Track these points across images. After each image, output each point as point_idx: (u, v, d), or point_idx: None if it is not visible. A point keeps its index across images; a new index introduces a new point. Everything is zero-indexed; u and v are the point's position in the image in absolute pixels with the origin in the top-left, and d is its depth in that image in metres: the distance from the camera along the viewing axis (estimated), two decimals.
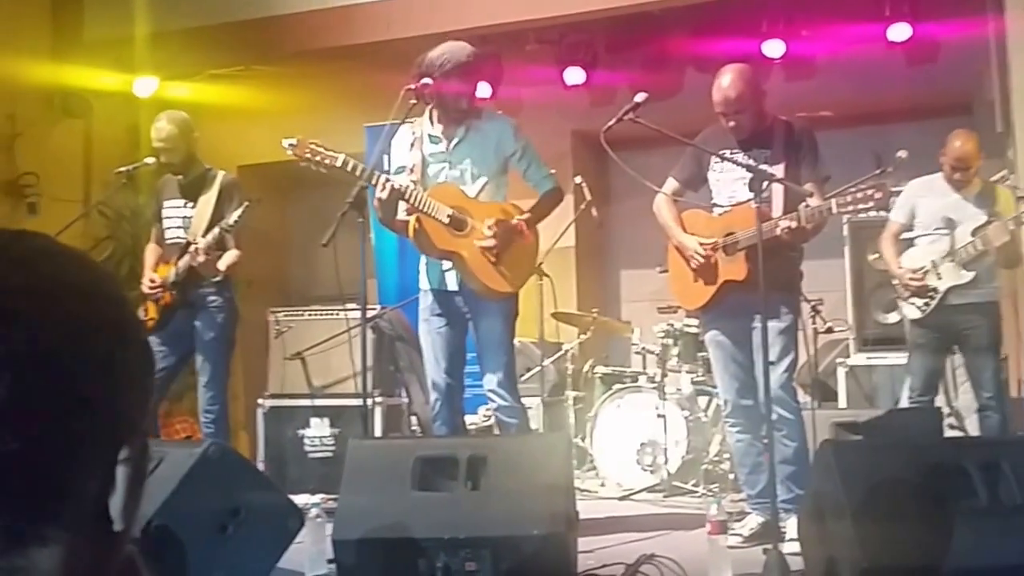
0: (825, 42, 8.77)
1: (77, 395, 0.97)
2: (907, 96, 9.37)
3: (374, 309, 7.36)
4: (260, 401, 7.51)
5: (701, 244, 5.31)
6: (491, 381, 5.50)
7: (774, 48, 8.70)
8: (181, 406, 8.86)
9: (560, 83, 9.32)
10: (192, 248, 6.25)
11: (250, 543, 4.34)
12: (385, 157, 5.70)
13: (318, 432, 7.22)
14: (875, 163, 7.44)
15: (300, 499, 5.36)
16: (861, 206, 4.80)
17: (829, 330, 7.59)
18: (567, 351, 8.65)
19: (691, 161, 5.53)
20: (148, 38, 9.09)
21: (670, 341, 7.82)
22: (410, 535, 4.09)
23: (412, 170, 5.49)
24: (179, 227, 6.52)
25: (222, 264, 6.35)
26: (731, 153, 5.25)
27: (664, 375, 7.67)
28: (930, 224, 6.42)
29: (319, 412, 7.23)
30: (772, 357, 4.99)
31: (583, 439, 8.01)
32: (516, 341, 5.73)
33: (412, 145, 5.54)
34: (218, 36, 9.07)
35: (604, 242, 10.99)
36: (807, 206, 4.94)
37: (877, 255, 7.82)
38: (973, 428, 6.99)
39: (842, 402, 7.71)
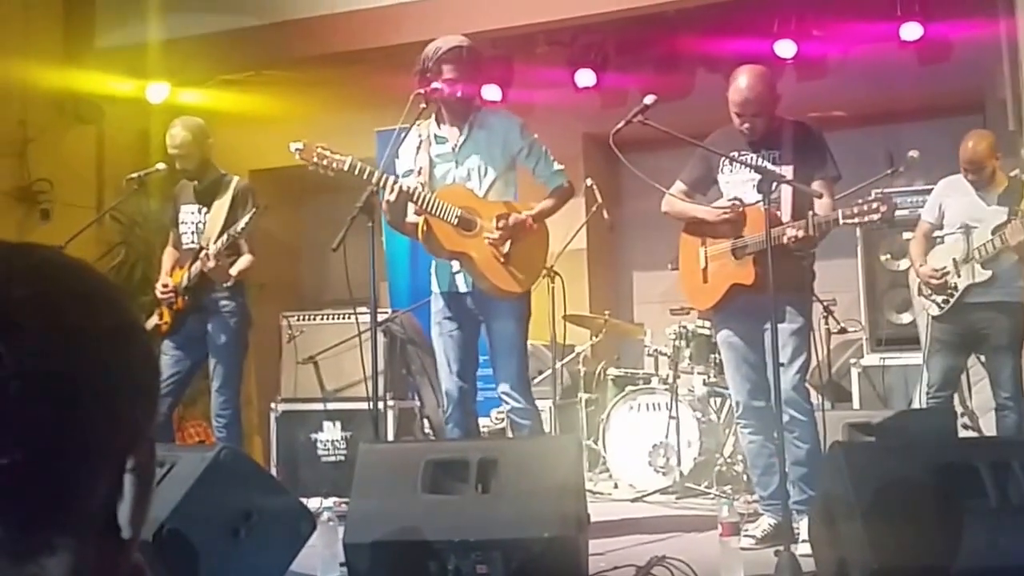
0: (837, 42, 8.76)
1: (84, 405, 0.98)
2: (919, 95, 9.35)
3: (386, 313, 7.38)
4: (273, 405, 7.55)
5: (718, 211, 5.31)
6: (504, 383, 5.50)
7: (786, 48, 8.68)
8: (195, 410, 8.89)
9: (571, 85, 9.30)
10: (202, 254, 6.27)
11: (262, 547, 4.35)
12: (396, 162, 5.71)
13: (330, 436, 7.25)
14: (887, 162, 7.44)
15: (313, 502, 5.39)
16: (867, 218, 4.79)
17: (842, 331, 7.57)
18: (579, 353, 8.65)
19: (700, 163, 5.52)
20: (160, 44, 9.15)
21: (682, 343, 7.82)
22: (421, 538, 4.09)
23: (420, 172, 5.49)
24: (193, 232, 6.55)
25: (234, 270, 6.37)
26: (740, 155, 5.24)
27: (676, 377, 7.68)
28: (954, 223, 6.44)
29: (331, 416, 7.26)
30: (784, 359, 4.98)
31: (596, 441, 8.01)
32: (528, 343, 5.73)
33: (419, 148, 5.54)
34: (229, 42, 9.11)
35: (616, 244, 10.99)
36: (815, 215, 4.92)
37: (888, 256, 7.83)
38: (987, 427, 6.98)
39: (856, 403, 7.70)
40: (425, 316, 5.99)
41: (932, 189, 6.86)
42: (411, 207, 5.39)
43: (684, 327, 7.84)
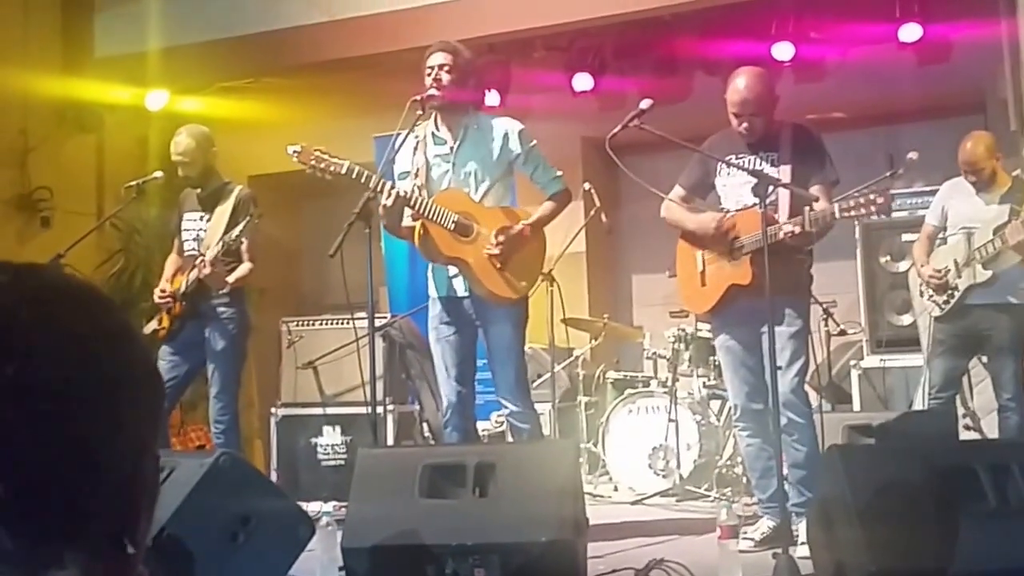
0: (835, 44, 8.74)
1: (92, 423, 1.00)
2: (919, 96, 9.35)
3: (384, 317, 7.39)
4: (273, 410, 7.57)
5: (714, 221, 5.30)
6: (503, 388, 5.50)
7: (783, 51, 8.66)
8: (195, 415, 8.90)
9: (569, 90, 9.30)
10: (199, 260, 6.28)
11: (261, 552, 4.35)
12: (393, 167, 5.71)
13: (330, 440, 7.27)
14: (887, 164, 7.44)
15: (313, 507, 5.39)
16: (863, 211, 4.76)
17: (842, 332, 7.57)
18: (578, 356, 8.66)
19: (698, 167, 5.52)
20: (158, 52, 9.16)
21: (681, 345, 7.84)
22: (419, 542, 4.10)
23: (416, 174, 5.49)
24: (195, 239, 6.56)
25: (232, 278, 6.38)
26: (737, 158, 5.24)
27: (676, 379, 7.68)
28: (956, 225, 6.44)
29: (331, 420, 7.29)
30: (782, 362, 4.98)
31: (595, 444, 8.02)
32: (527, 347, 5.73)
33: (416, 149, 5.54)
34: (228, 49, 9.12)
35: (615, 247, 11.00)
36: (811, 210, 4.93)
37: (888, 257, 7.83)
38: (990, 429, 6.97)
39: (856, 405, 7.69)
40: (424, 321, 5.99)
41: (933, 190, 6.87)
42: (407, 211, 5.40)
43: (683, 330, 7.85)
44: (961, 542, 3.52)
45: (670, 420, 7.47)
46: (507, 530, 4.09)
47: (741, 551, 4.75)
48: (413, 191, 5.35)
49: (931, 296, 6.51)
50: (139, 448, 1.05)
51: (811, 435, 5.20)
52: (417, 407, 7.56)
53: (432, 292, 5.60)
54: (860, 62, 8.71)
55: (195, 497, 4.23)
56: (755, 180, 4.86)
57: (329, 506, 5.53)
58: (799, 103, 8.15)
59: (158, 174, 6.75)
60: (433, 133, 5.56)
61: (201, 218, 6.58)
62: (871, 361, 7.83)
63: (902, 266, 7.67)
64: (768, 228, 4.76)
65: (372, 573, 4.13)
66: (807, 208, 4.93)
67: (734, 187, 5.32)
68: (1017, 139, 7.71)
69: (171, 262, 6.75)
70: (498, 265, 5.35)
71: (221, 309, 6.42)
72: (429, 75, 5.43)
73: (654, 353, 8.34)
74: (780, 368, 4.91)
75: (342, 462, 7.15)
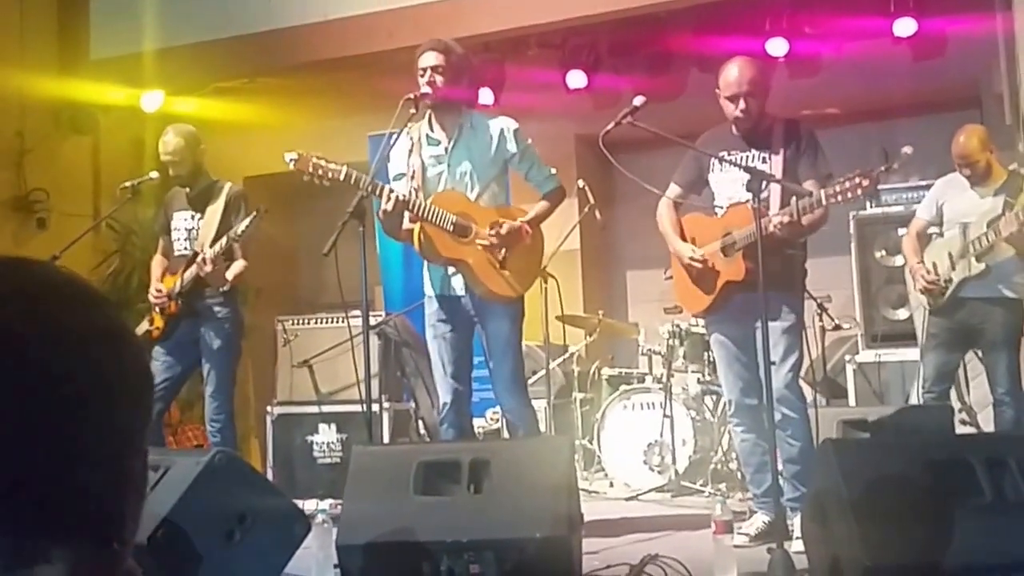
0: (829, 39, 8.75)
1: (81, 417, 0.99)
2: (914, 91, 9.35)
3: (379, 316, 7.40)
4: (269, 408, 7.57)
5: (693, 252, 5.32)
6: (499, 385, 5.52)
7: (778, 46, 8.67)
8: (192, 414, 8.91)
9: (563, 87, 9.32)
10: (199, 258, 6.28)
11: (257, 549, 4.37)
12: (387, 166, 5.71)
13: (326, 438, 7.27)
14: (882, 159, 7.44)
15: (309, 505, 5.40)
16: (850, 195, 4.74)
17: (837, 327, 7.58)
18: (573, 353, 8.67)
19: (692, 165, 5.53)
20: (153, 54, 9.17)
21: (676, 341, 7.85)
22: (414, 539, 4.10)
23: (412, 175, 5.50)
24: (186, 239, 6.56)
25: (230, 274, 6.39)
26: (730, 154, 5.25)
27: (670, 375, 7.69)
28: (952, 220, 6.44)
29: (327, 418, 7.29)
30: (776, 357, 4.98)
31: (590, 440, 8.03)
32: (523, 344, 5.73)
33: (411, 151, 5.54)
34: (223, 50, 9.13)
35: (610, 244, 11.01)
36: (799, 199, 4.91)
37: (883, 252, 7.83)
38: (986, 423, 6.98)
39: (851, 399, 7.70)
40: (419, 318, 6.00)
41: (928, 185, 6.87)
42: (406, 214, 5.39)
43: (678, 326, 7.86)
44: (957, 536, 3.53)
45: (665, 416, 7.48)
46: (502, 526, 4.10)
47: (736, 546, 4.74)
48: (410, 193, 5.35)
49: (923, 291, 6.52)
50: (128, 442, 1.05)
51: (805, 430, 5.20)
52: (412, 405, 7.57)
53: (429, 290, 5.61)
54: (854, 57, 8.72)
55: (191, 495, 4.25)
56: (747, 176, 4.85)
57: (325, 504, 5.55)
58: (793, 99, 8.16)
59: (154, 175, 6.75)
60: (427, 135, 5.57)
61: (192, 217, 6.57)
62: (866, 356, 7.83)
63: (897, 260, 7.67)
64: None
65: (367, 570, 4.14)
66: (795, 198, 4.92)
67: (727, 183, 5.33)
68: (1012, 133, 7.71)
69: (157, 263, 6.74)
70: (497, 264, 5.36)
71: (216, 308, 6.42)
72: (422, 76, 5.43)
73: (649, 349, 8.37)
74: (774, 363, 4.91)
75: (338, 460, 7.16)
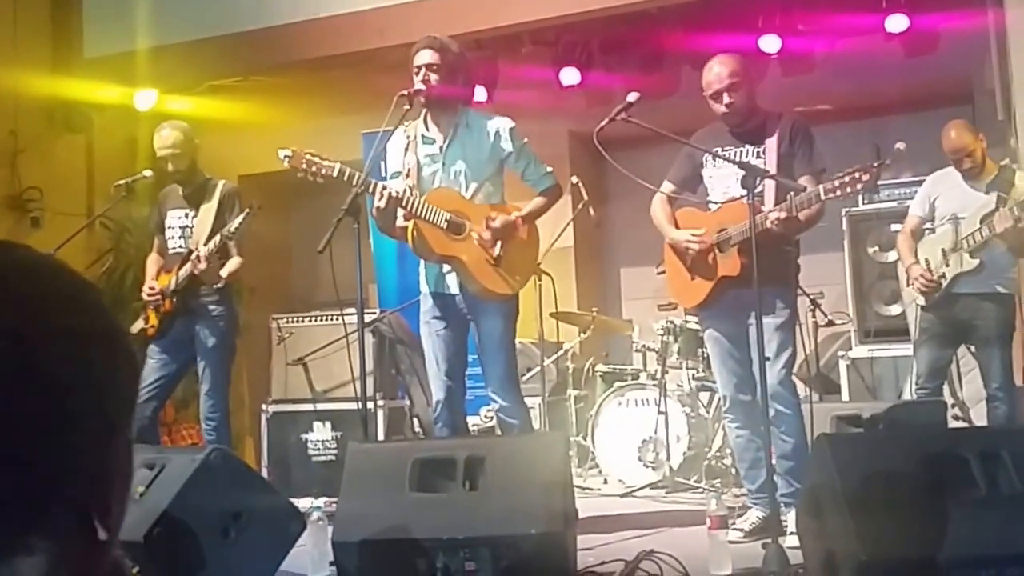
0: (822, 36, 8.75)
1: (61, 404, 0.98)
2: (907, 87, 9.36)
3: (374, 313, 7.40)
4: (264, 407, 7.59)
5: (693, 234, 5.33)
6: (492, 382, 5.52)
7: (770, 43, 8.69)
8: (187, 413, 8.91)
9: (556, 84, 9.33)
10: (193, 256, 6.28)
11: (252, 547, 4.38)
12: (381, 164, 5.70)
13: (321, 436, 7.29)
14: (874, 156, 7.45)
15: (304, 502, 5.41)
16: (849, 189, 4.73)
17: (830, 323, 7.58)
18: (568, 350, 8.67)
19: (686, 162, 5.54)
20: (147, 52, 9.16)
21: (670, 338, 7.85)
22: (409, 536, 4.11)
23: (408, 174, 5.50)
24: (180, 236, 6.55)
25: (225, 272, 6.39)
26: (723, 150, 5.26)
27: (665, 372, 7.71)
28: (944, 215, 6.44)
29: (321, 416, 7.31)
30: (769, 353, 4.99)
31: (585, 437, 8.04)
32: (517, 342, 5.74)
33: (406, 149, 5.55)
34: (216, 48, 9.12)
35: (603, 241, 11.02)
36: (795, 194, 4.92)
37: (876, 248, 7.84)
38: (978, 418, 6.99)
39: (844, 395, 7.71)
40: (413, 316, 6.00)
41: (920, 181, 6.87)
42: (400, 211, 5.40)
43: (672, 322, 7.87)
44: (951, 529, 3.53)
45: (659, 412, 7.49)
46: (497, 523, 4.10)
47: (731, 542, 4.78)
48: (405, 191, 5.35)
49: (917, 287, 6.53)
50: (112, 433, 1.04)
51: (799, 426, 5.21)
52: (407, 402, 7.57)
53: (423, 288, 5.61)
54: (847, 54, 8.72)
55: (187, 493, 4.27)
56: (742, 172, 4.85)
57: (320, 501, 5.54)
58: (786, 96, 8.17)
59: (148, 173, 6.74)
60: (423, 134, 5.57)
61: (187, 215, 6.57)
62: (859, 351, 7.84)
63: (890, 256, 7.69)
64: (755, 218, 4.77)
65: (363, 567, 4.14)
66: (791, 193, 4.93)
67: (721, 178, 5.34)
68: (1005, 129, 7.72)
69: (152, 261, 6.73)
70: (492, 261, 5.36)
71: (211, 306, 6.42)
72: (417, 74, 5.43)
73: (643, 346, 8.37)
74: (768, 359, 4.92)
75: (333, 457, 7.18)
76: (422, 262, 5.61)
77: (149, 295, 6.47)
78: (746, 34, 8.54)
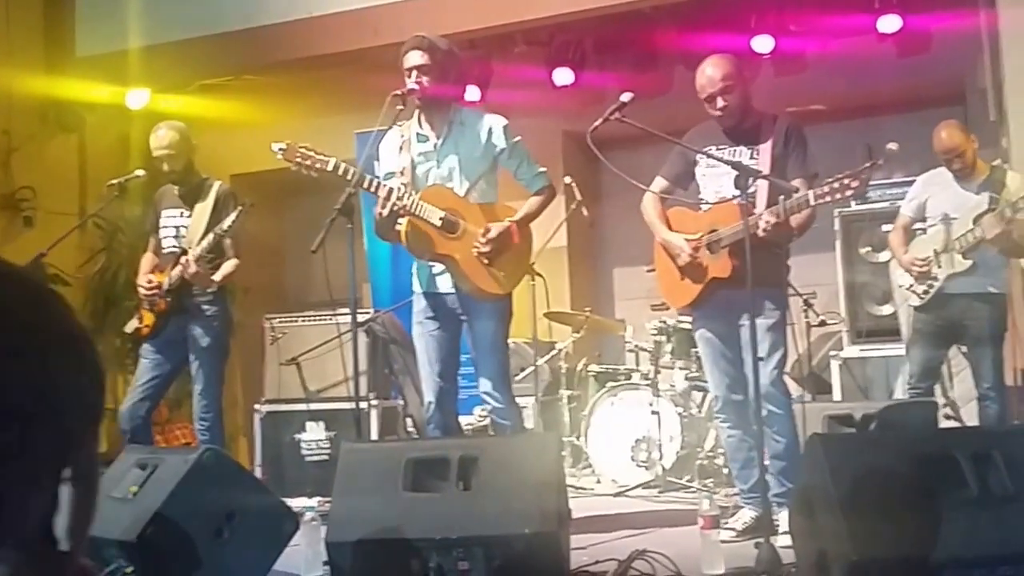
0: (814, 36, 8.76)
1: (26, 419, 0.97)
2: (899, 87, 9.39)
3: (367, 313, 7.40)
4: (257, 406, 7.58)
5: (687, 240, 5.33)
6: (485, 382, 5.50)
7: (763, 43, 8.69)
8: (180, 413, 8.92)
9: (550, 84, 9.32)
10: (183, 260, 6.26)
11: (245, 546, 4.39)
12: (375, 163, 5.70)
13: (314, 436, 7.29)
14: (867, 156, 7.46)
15: (297, 502, 5.40)
16: (839, 196, 4.75)
17: (822, 323, 7.61)
18: (561, 350, 8.68)
19: (679, 159, 5.54)
20: (139, 51, 9.17)
21: (663, 338, 7.87)
22: (403, 536, 4.11)
23: (402, 172, 5.49)
24: (174, 236, 6.54)
25: (218, 275, 6.37)
26: (717, 150, 5.26)
27: (657, 372, 7.72)
28: (936, 215, 6.45)
29: (315, 416, 7.31)
30: (762, 353, 4.98)
31: (578, 437, 8.05)
32: (510, 342, 5.74)
33: (401, 148, 5.53)
34: (208, 47, 9.12)
35: (597, 241, 11.04)
36: (786, 199, 4.92)
37: (869, 248, 7.86)
38: (969, 418, 7.01)
39: (836, 395, 7.72)
40: (407, 316, 6.00)
41: (912, 181, 6.87)
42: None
43: (665, 322, 7.88)
44: (943, 530, 3.54)
45: (652, 412, 7.50)
46: (490, 523, 4.10)
47: (723, 541, 4.77)
48: (399, 188, 5.34)
49: (911, 286, 6.53)
50: (73, 444, 1.02)
51: (790, 426, 5.22)
52: (400, 402, 7.58)
53: (416, 287, 5.60)
54: (840, 54, 8.73)
55: (180, 493, 4.28)
56: (734, 172, 4.85)
57: (313, 501, 5.55)
58: (779, 96, 8.18)
59: (140, 172, 6.71)
60: (417, 133, 5.56)
61: (181, 214, 6.56)
62: (851, 351, 7.86)
63: (882, 256, 7.70)
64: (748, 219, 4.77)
65: (356, 567, 4.14)
66: (782, 197, 4.93)
67: (713, 178, 5.34)
68: (997, 129, 7.75)
69: (146, 260, 6.71)
70: (485, 261, 5.36)
71: (205, 306, 6.40)
72: (409, 76, 5.43)
73: (636, 346, 8.38)
74: (761, 359, 4.92)
75: (326, 457, 7.17)
76: (415, 262, 5.60)
77: (148, 288, 6.44)
78: (739, 34, 8.55)
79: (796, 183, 5.11)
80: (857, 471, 3.82)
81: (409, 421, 7.52)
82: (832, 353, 7.97)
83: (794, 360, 5.79)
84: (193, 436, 7.19)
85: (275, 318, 7.75)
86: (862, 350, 7.80)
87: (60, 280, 8.55)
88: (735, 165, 4.89)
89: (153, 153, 6.51)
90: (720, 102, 5.25)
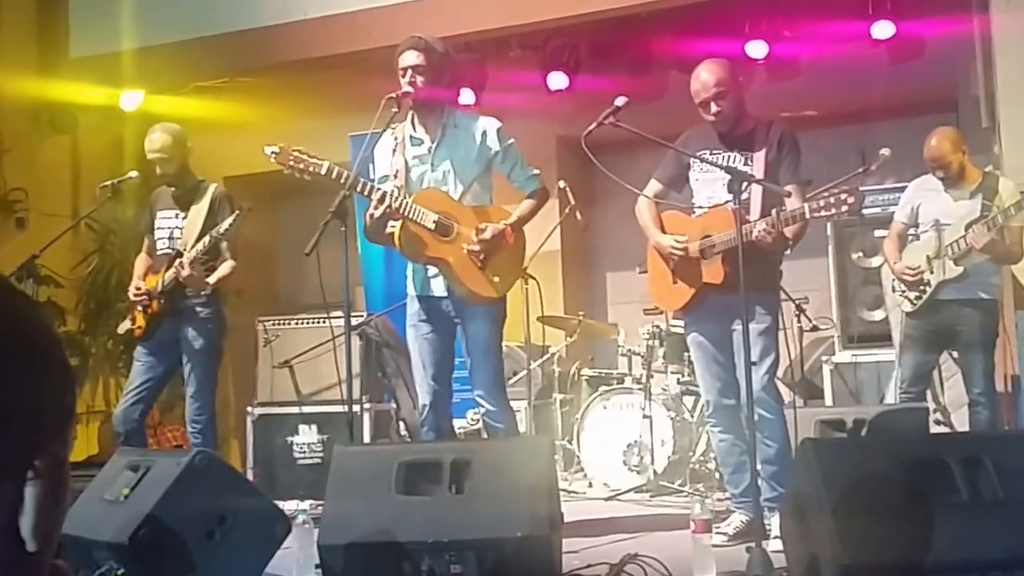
0: (808, 42, 8.78)
1: None
2: (892, 94, 9.39)
3: (360, 316, 7.40)
4: (249, 409, 7.58)
5: (677, 241, 5.34)
6: (479, 386, 5.50)
7: (757, 49, 8.72)
8: (172, 415, 8.91)
9: (544, 88, 9.34)
10: (177, 262, 6.26)
11: (237, 549, 4.39)
12: (370, 166, 5.69)
13: (306, 439, 7.29)
14: (859, 162, 7.47)
15: (290, 505, 5.41)
16: (834, 211, 4.74)
17: (814, 328, 7.61)
18: (554, 354, 8.69)
19: (673, 162, 5.54)
20: (133, 52, 9.16)
21: (656, 342, 7.87)
22: (395, 539, 4.10)
23: (396, 175, 5.49)
24: (169, 238, 6.53)
25: (214, 278, 6.37)
26: (711, 154, 5.27)
27: (650, 376, 7.72)
28: (927, 221, 6.46)
29: (307, 419, 7.32)
30: (753, 358, 4.98)
31: (570, 441, 8.06)
32: (503, 345, 5.74)
33: (394, 151, 5.53)
34: (202, 49, 9.12)
35: (590, 245, 11.05)
36: (781, 210, 4.93)
37: (860, 253, 7.87)
38: (960, 423, 7.02)
39: (828, 399, 7.74)
40: (400, 319, 5.99)
41: (904, 187, 6.89)
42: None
43: (658, 327, 7.88)
44: (934, 534, 3.54)
45: (644, 416, 7.50)
46: (483, 526, 4.10)
47: (715, 545, 4.77)
48: (393, 191, 5.33)
49: (903, 292, 6.54)
50: (38, 442, 1.01)
51: (782, 431, 5.22)
52: (393, 405, 7.58)
53: (411, 290, 5.59)
54: (833, 60, 8.74)
55: (172, 495, 4.28)
56: (728, 177, 4.84)
57: (306, 504, 5.55)
58: (772, 101, 8.18)
59: (133, 174, 6.72)
60: (411, 136, 5.56)
61: (176, 216, 6.56)
62: (843, 356, 7.88)
63: (874, 262, 7.73)
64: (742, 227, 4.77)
65: (349, 570, 4.14)
66: (776, 209, 4.94)
67: (707, 182, 5.34)
68: (989, 136, 7.76)
69: (141, 261, 6.71)
70: (479, 264, 5.36)
71: (198, 308, 6.40)
72: (403, 76, 5.43)
73: (628, 350, 8.39)
74: (755, 364, 4.92)
75: (318, 460, 7.18)
76: (409, 265, 5.60)
77: (136, 295, 6.45)
78: (733, 39, 8.58)
79: (788, 189, 5.12)
80: (849, 476, 3.82)
81: (402, 424, 7.52)
82: (824, 358, 7.99)
83: (786, 365, 5.79)
84: (185, 438, 7.19)
85: (268, 320, 7.75)
86: (854, 355, 7.83)
87: (53, 282, 8.56)
88: (728, 169, 4.89)
89: (147, 156, 6.51)
90: (714, 107, 5.25)
